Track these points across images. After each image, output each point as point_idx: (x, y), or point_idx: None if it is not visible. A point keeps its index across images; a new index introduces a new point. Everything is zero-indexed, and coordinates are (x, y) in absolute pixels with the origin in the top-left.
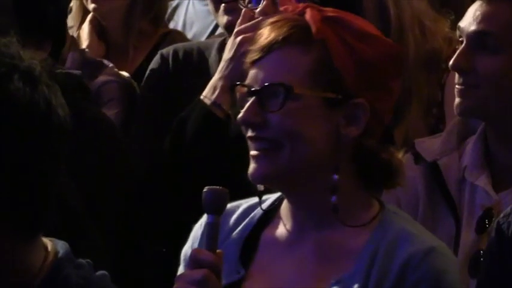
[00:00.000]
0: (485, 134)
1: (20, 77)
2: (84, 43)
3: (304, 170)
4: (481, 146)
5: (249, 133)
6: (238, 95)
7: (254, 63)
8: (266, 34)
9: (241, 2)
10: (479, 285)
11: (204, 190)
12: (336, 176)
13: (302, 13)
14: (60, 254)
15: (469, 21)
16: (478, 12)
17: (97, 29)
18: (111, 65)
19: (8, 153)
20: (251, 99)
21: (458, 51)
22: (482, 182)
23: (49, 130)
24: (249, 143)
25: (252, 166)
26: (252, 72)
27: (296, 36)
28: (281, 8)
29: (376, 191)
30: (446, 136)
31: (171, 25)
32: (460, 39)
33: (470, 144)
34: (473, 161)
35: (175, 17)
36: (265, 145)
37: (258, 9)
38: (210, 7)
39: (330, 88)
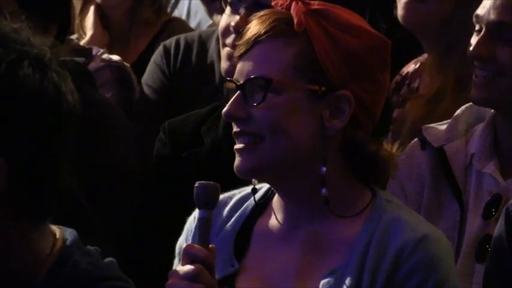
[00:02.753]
0: (494, 121)
1: (29, 63)
2: (89, 32)
3: (288, 163)
4: (489, 133)
5: (234, 128)
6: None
7: (240, 57)
8: (251, 28)
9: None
10: (487, 272)
11: (196, 185)
12: (324, 168)
13: (289, 7)
14: (68, 241)
15: (488, 9)
16: (498, 2)
17: (101, 18)
18: (100, 50)
19: (17, 139)
20: (236, 94)
21: (477, 40)
22: (491, 168)
23: (58, 116)
24: (235, 138)
25: (236, 159)
26: (238, 66)
27: (279, 29)
28: (272, 3)
29: (369, 181)
30: (454, 122)
31: (176, 13)
32: (477, 26)
33: (478, 131)
34: (481, 148)
35: (179, 6)
36: (247, 139)
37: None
38: (204, 8)
39: (313, 80)
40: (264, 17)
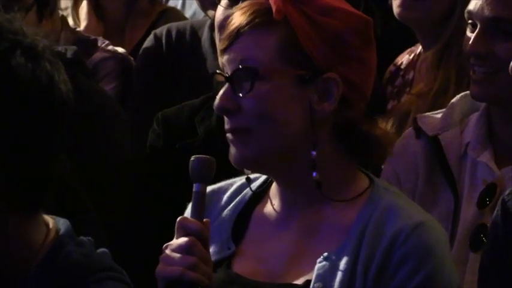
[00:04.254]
0: (488, 111)
1: (22, 52)
2: (83, 23)
3: (281, 150)
4: (484, 122)
5: (226, 125)
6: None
7: (225, 50)
8: (233, 21)
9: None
10: (483, 262)
11: (191, 159)
12: (314, 152)
13: None
14: (61, 232)
15: (481, 5)
16: None
17: (95, 9)
18: (106, 42)
19: (10, 128)
20: (225, 86)
21: (473, 37)
22: (485, 157)
23: (51, 105)
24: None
25: (230, 151)
26: (224, 60)
27: (259, 19)
28: None
29: (364, 165)
30: (448, 112)
31: (171, 3)
32: (470, 21)
33: (473, 120)
34: (476, 137)
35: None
36: (237, 130)
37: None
38: (198, 3)
39: (298, 66)
40: (244, 9)
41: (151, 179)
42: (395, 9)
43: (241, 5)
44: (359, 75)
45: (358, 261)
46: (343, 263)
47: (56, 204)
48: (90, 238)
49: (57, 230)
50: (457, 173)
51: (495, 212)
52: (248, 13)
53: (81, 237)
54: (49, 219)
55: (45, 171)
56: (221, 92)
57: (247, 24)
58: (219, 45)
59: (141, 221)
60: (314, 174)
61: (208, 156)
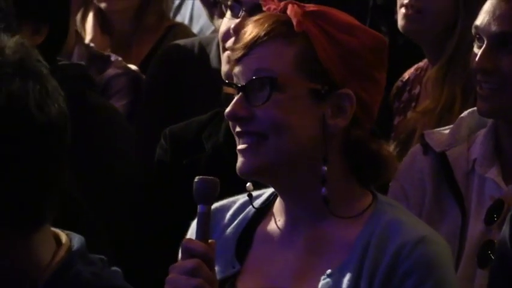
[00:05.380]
0: (496, 127)
1: (5, 70)
2: (88, 36)
3: (291, 161)
4: (491, 138)
5: (237, 129)
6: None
7: (239, 60)
8: (249, 31)
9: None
10: (491, 277)
11: (195, 180)
12: (324, 168)
13: (284, 10)
14: (73, 249)
15: (488, 20)
16: (497, 12)
17: (101, 23)
18: (119, 58)
19: None
20: (238, 95)
21: (480, 53)
22: (493, 173)
23: (34, 123)
24: (236, 138)
25: (239, 160)
26: (237, 70)
27: (278, 30)
28: (264, 8)
29: (369, 184)
30: (456, 128)
31: (178, 18)
32: (477, 37)
33: (480, 136)
34: (483, 153)
35: (182, 10)
36: (250, 139)
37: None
38: (206, 12)
39: (315, 79)
40: (262, 20)
41: (158, 194)
42: (399, 21)
43: (256, 16)
44: (371, 94)
45: (361, 277)
46: (346, 279)
47: (61, 218)
48: (102, 257)
49: (70, 247)
50: (465, 189)
51: (503, 227)
52: (266, 24)
53: (93, 256)
54: (62, 235)
55: (38, 189)
56: (234, 100)
57: (265, 34)
58: (232, 55)
59: (148, 235)
60: (323, 190)
61: (211, 177)
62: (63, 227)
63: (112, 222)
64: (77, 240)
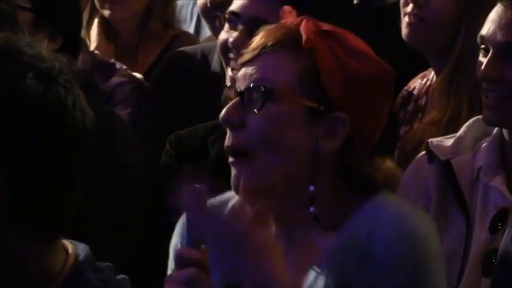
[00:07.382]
0: (501, 136)
1: (34, 76)
2: (93, 44)
3: (281, 179)
4: (496, 147)
5: (226, 142)
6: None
7: (244, 64)
8: (258, 38)
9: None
10: (494, 285)
11: (183, 187)
12: (311, 187)
13: (299, 24)
14: (80, 257)
15: (493, 30)
16: (503, 21)
17: (105, 31)
18: (124, 66)
19: (16, 153)
20: (235, 99)
21: (486, 62)
22: (498, 182)
23: (61, 131)
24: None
25: (233, 173)
26: (240, 73)
27: (287, 42)
28: (282, 21)
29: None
30: (461, 136)
31: (185, 26)
32: (482, 46)
33: (486, 145)
34: (488, 161)
35: (188, 18)
36: (236, 151)
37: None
38: (208, 26)
39: (312, 98)
40: (273, 29)
41: (163, 199)
42: (403, 30)
43: (269, 25)
44: (369, 122)
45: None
46: (329, 277)
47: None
48: (109, 264)
49: (77, 256)
50: (469, 197)
51: (505, 235)
52: (277, 33)
53: (100, 263)
54: (68, 244)
55: (59, 199)
56: (229, 104)
57: (272, 44)
58: (240, 59)
59: (154, 241)
60: (311, 209)
61: (199, 186)
62: (69, 235)
63: (118, 230)
64: (82, 248)
